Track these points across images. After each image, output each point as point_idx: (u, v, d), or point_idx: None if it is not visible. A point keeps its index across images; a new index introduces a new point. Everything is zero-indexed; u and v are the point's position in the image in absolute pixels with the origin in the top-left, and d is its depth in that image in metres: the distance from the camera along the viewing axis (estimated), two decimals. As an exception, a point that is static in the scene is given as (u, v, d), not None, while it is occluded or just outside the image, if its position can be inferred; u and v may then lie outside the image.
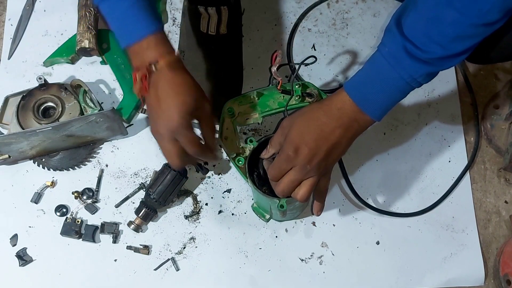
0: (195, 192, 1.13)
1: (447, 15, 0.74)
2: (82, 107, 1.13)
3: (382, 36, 0.82)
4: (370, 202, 1.12)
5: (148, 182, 1.11)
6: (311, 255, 1.10)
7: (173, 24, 1.25)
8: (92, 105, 1.13)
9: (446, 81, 1.22)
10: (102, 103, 1.18)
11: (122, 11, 0.85)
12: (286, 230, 1.11)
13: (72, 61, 1.21)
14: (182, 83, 0.86)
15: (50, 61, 1.21)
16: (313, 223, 1.12)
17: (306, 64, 0.96)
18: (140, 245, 1.09)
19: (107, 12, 0.87)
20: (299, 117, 0.85)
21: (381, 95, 0.82)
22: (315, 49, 1.24)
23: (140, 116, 1.18)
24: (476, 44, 0.77)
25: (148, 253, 1.09)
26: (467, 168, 1.16)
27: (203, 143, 0.93)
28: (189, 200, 1.12)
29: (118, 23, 0.87)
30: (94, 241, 1.09)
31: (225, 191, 1.13)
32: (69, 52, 1.19)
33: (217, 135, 0.99)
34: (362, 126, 0.85)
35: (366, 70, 0.83)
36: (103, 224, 1.10)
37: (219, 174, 1.14)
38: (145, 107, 1.17)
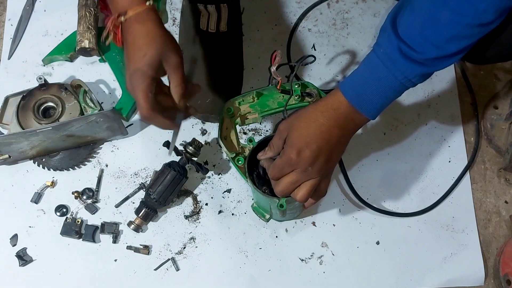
0: (195, 192, 1.13)
1: (443, 16, 0.75)
2: (82, 107, 1.13)
3: (378, 35, 0.82)
4: (370, 202, 1.12)
5: (148, 182, 1.11)
6: (311, 255, 1.10)
7: (173, 24, 1.25)
8: (92, 105, 1.13)
9: (445, 81, 1.22)
10: (102, 103, 1.18)
11: None
12: (286, 230, 1.11)
13: (71, 59, 1.21)
14: (147, 34, 0.83)
15: (49, 59, 1.21)
16: (313, 223, 1.12)
17: (305, 64, 0.96)
18: (140, 245, 1.09)
19: None
20: (297, 119, 0.86)
21: (376, 95, 0.82)
22: (315, 49, 1.24)
23: (140, 116, 1.18)
24: (471, 45, 0.77)
25: (148, 253, 1.09)
26: (467, 168, 1.16)
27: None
28: (189, 200, 1.12)
29: None
30: (94, 241, 1.09)
31: (225, 191, 1.13)
32: (68, 49, 1.20)
33: (217, 139, 0.97)
34: (358, 125, 0.86)
35: (361, 70, 0.83)
36: (103, 224, 1.10)
37: (219, 174, 1.14)
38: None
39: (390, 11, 0.82)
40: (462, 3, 0.73)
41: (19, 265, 1.07)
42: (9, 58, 1.23)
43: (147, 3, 0.84)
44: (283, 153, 0.86)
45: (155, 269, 1.08)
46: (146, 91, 0.83)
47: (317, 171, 0.85)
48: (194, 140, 1.08)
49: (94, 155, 1.15)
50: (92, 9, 1.17)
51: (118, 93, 1.19)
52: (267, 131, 1.17)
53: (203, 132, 1.17)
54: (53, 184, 1.13)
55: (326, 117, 0.83)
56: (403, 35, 0.78)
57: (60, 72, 1.21)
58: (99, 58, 1.21)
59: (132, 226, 1.08)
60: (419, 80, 0.80)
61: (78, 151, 1.14)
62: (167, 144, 1.05)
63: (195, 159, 1.08)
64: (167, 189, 1.05)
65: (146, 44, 0.82)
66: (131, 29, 0.83)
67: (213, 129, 1.17)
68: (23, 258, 1.08)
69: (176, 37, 1.22)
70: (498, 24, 0.75)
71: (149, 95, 0.83)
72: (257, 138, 1.12)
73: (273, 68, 0.95)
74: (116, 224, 1.10)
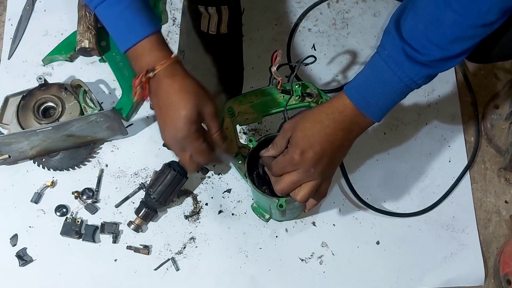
0: (195, 192, 1.13)
1: (446, 17, 0.75)
2: (82, 107, 1.13)
3: (381, 37, 0.82)
4: (370, 202, 1.12)
5: (148, 182, 1.11)
6: (311, 255, 1.10)
7: (173, 24, 1.25)
8: (92, 105, 1.13)
9: (446, 81, 1.22)
10: (102, 103, 1.18)
11: (115, 15, 0.83)
12: (286, 230, 1.11)
13: (71, 59, 1.21)
14: (180, 90, 0.84)
15: (49, 59, 1.21)
16: (313, 223, 1.12)
17: (306, 64, 0.96)
18: (140, 245, 1.09)
19: (102, 17, 0.85)
20: (302, 120, 0.86)
21: (381, 98, 0.82)
22: (315, 49, 1.24)
23: (140, 115, 1.18)
24: (475, 45, 0.77)
25: (148, 253, 1.09)
26: (467, 168, 1.16)
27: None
28: (189, 200, 1.12)
29: (113, 28, 0.85)
30: (94, 241, 1.09)
31: (225, 191, 1.13)
32: (68, 49, 1.20)
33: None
34: (363, 128, 0.86)
35: (366, 73, 0.83)
36: (103, 224, 1.10)
37: (219, 174, 1.14)
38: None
39: (393, 12, 0.82)
40: (465, 4, 0.73)
41: (19, 265, 1.07)
42: (9, 58, 1.23)
43: (172, 56, 0.84)
44: (286, 151, 0.86)
45: (155, 269, 1.08)
46: (200, 148, 0.86)
47: (319, 172, 0.85)
48: (194, 140, 1.07)
49: (94, 155, 1.15)
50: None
51: (118, 93, 1.19)
52: (267, 131, 1.17)
53: (203, 132, 1.17)
54: (53, 184, 1.13)
55: (332, 120, 0.83)
56: (407, 37, 0.78)
57: (60, 72, 1.21)
58: (99, 58, 1.21)
59: (132, 226, 1.08)
60: (424, 82, 0.81)
61: (78, 151, 1.14)
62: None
63: (195, 159, 1.08)
64: (167, 189, 1.05)
65: (182, 100, 0.83)
66: (163, 85, 0.83)
67: (213, 129, 1.17)
68: (23, 258, 1.08)
69: (177, 37, 1.22)
70: (501, 23, 0.75)
71: (204, 148, 0.86)
72: (257, 138, 1.12)
73: (274, 68, 0.95)
74: (116, 224, 1.10)
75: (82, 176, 1.14)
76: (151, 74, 0.83)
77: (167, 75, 0.83)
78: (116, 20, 0.83)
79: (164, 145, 1.06)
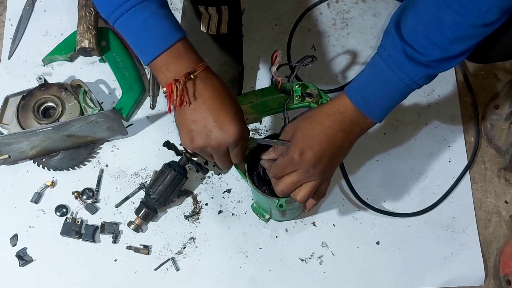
0: (195, 192, 1.13)
1: (446, 17, 0.75)
2: (82, 107, 1.13)
3: (382, 37, 0.82)
4: (370, 202, 1.12)
5: (148, 182, 1.12)
6: (311, 255, 1.10)
7: (173, 24, 1.25)
8: (92, 105, 1.13)
9: (446, 81, 1.22)
10: (102, 103, 1.18)
11: (142, 22, 0.78)
12: (286, 230, 1.11)
13: (71, 59, 1.21)
14: (226, 92, 0.83)
15: (49, 59, 1.21)
16: (313, 223, 1.12)
17: (306, 64, 0.96)
18: (140, 245, 1.09)
19: (125, 27, 0.80)
20: (302, 121, 0.86)
21: (382, 99, 0.82)
22: (315, 49, 1.24)
23: (140, 115, 1.18)
24: (475, 45, 0.77)
25: (148, 253, 1.09)
26: (467, 168, 1.16)
27: None
28: (189, 200, 1.12)
29: (140, 35, 0.80)
30: (94, 241, 1.09)
31: (225, 191, 1.13)
32: (68, 50, 1.20)
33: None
34: (364, 129, 0.86)
35: (366, 74, 0.83)
36: (103, 224, 1.10)
37: (219, 174, 1.14)
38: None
39: (393, 12, 0.82)
40: (465, 4, 0.73)
41: (19, 265, 1.07)
42: (9, 58, 1.23)
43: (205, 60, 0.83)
44: (286, 152, 0.86)
45: (155, 269, 1.08)
46: (245, 147, 0.88)
47: (318, 173, 0.85)
48: (194, 140, 1.07)
49: (94, 155, 1.15)
50: (92, 9, 1.17)
51: (118, 93, 1.19)
52: (267, 131, 1.17)
53: (203, 132, 1.17)
54: (53, 184, 1.13)
55: (332, 120, 0.83)
56: (407, 37, 0.78)
57: (60, 72, 1.21)
58: (99, 58, 1.21)
59: (132, 226, 1.08)
60: (425, 82, 0.81)
61: (78, 151, 1.14)
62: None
63: (195, 159, 1.08)
64: (167, 189, 1.05)
65: (232, 101, 0.83)
66: (207, 85, 0.81)
67: (213, 129, 1.17)
68: (23, 258, 1.08)
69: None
70: (501, 23, 0.75)
71: (245, 147, 0.88)
72: (257, 138, 1.12)
73: (274, 68, 0.95)
74: (116, 224, 1.10)
75: (82, 176, 1.14)
76: (192, 76, 0.80)
77: (210, 77, 0.82)
78: (146, 24, 0.79)
79: (164, 145, 1.06)
